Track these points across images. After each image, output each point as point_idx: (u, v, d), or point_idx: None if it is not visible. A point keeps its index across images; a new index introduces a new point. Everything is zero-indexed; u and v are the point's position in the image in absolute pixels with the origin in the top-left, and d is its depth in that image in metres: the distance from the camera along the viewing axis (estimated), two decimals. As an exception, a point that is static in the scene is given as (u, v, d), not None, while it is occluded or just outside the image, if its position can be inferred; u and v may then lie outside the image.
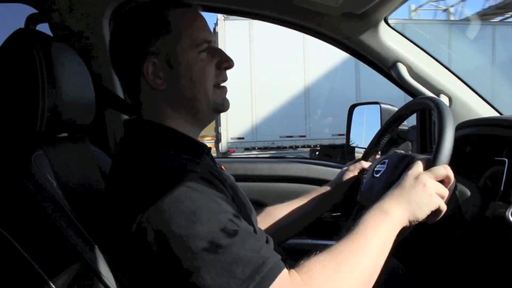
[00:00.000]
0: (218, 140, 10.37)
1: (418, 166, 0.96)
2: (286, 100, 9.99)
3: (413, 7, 13.89)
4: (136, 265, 0.80)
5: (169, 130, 0.94)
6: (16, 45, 0.89)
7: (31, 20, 1.54)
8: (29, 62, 0.87)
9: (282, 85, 9.78)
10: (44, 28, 1.58)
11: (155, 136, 0.92)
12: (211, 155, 1.05)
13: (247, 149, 10.10)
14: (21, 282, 0.80)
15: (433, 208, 0.91)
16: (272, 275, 0.73)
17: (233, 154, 9.83)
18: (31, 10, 1.56)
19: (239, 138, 9.95)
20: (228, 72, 1.00)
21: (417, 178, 0.93)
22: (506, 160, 1.12)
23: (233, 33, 9.67)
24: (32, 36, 0.89)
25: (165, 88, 0.93)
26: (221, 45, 9.09)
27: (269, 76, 9.66)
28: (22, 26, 1.58)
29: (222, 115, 9.19)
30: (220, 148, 9.87)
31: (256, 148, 10.16)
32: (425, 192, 0.90)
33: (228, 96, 0.99)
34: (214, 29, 9.87)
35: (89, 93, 1.03)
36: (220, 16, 9.51)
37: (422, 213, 0.90)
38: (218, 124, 10.02)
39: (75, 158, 1.00)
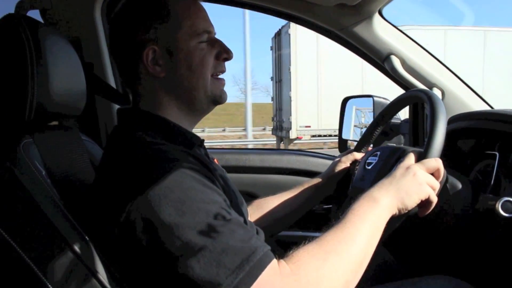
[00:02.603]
0: (280, 127, 12.39)
1: (410, 158, 0.97)
2: (346, 93, 10.77)
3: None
4: (125, 255, 0.80)
5: (163, 120, 0.94)
6: (4, 30, 0.88)
7: (21, 6, 1.51)
8: (18, 47, 0.85)
9: (342, 79, 10.97)
10: (35, 15, 1.56)
11: (148, 126, 0.92)
12: (204, 146, 1.04)
13: (313, 136, 11.70)
14: (9, 272, 0.79)
15: (423, 196, 0.91)
16: (262, 265, 0.72)
17: (301, 140, 11.84)
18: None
19: (306, 126, 11.52)
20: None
21: (408, 168, 0.93)
22: (497, 154, 1.12)
23: (302, 34, 10.98)
24: (21, 21, 0.88)
25: (164, 76, 0.93)
26: (292, 45, 10.94)
27: (332, 71, 11.04)
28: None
29: (292, 105, 11.10)
30: (290, 135, 11.40)
31: (317, 135, 11.76)
32: (415, 180, 0.91)
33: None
34: (281, 31, 11.61)
35: (80, 81, 1.01)
36: (292, 20, 11.25)
37: (411, 201, 0.90)
38: (281, 114, 12.11)
39: (65, 147, 0.99)
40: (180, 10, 0.93)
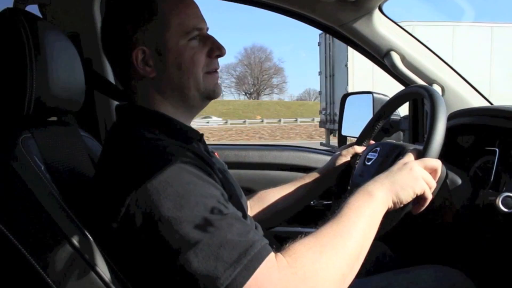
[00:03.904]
0: (331, 120, 12.73)
1: (409, 156, 0.97)
2: (398, 86, 11.70)
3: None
4: (124, 248, 0.80)
5: (161, 116, 0.94)
6: (3, 25, 0.87)
7: (20, 0, 1.51)
8: (17, 42, 0.85)
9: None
10: (34, 9, 1.55)
11: (146, 122, 0.92)
12: (203, 141, 1.04)
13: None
14: (9, 266, 0.79)
15: (418, 191, 0.91)
16: (259, 258, 0.73)
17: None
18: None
19: None
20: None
21: (405, 164, 0.94)
22: (497, 150, 1.12)
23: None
24: (20, 16, 0.87)
25: (154, 76, 0.92)
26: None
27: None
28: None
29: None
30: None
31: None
32: (410, 175, 0.91)
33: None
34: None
35: (79, 76, 1.01)
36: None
37: (405, 194, 0.90)
38: (334, 108, 12.39)
39: (64, 142, 0.98)
40: (167, 8, 0.91)
